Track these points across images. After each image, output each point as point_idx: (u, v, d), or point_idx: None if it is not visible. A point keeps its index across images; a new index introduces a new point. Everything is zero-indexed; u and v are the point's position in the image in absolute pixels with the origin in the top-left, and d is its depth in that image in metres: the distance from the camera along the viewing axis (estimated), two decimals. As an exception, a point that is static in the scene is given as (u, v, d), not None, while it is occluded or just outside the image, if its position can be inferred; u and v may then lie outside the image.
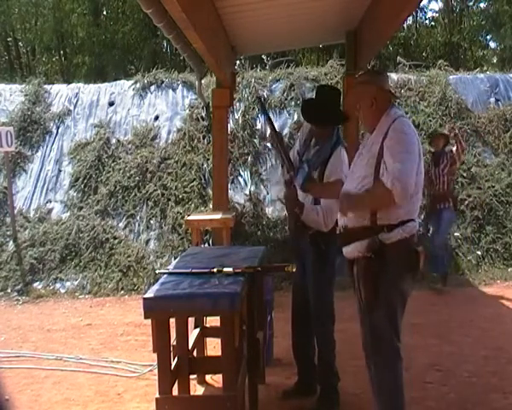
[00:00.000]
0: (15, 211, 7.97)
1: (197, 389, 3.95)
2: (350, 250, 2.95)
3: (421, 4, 18.18)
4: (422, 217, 6.78)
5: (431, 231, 6.79)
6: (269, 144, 8.29)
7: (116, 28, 17.83)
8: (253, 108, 8.75)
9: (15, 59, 20.15)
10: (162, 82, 9.32)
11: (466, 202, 7.98)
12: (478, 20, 18.83)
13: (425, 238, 6.54)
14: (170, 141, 8.64)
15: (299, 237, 3.59)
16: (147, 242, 7.77)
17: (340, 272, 3.49)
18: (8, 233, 7.86)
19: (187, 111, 8.90)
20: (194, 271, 3.20)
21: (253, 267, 3.27)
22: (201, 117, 8.74)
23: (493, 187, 8.11)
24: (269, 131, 7.60)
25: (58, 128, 8.95)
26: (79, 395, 4.07)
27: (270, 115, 4.55)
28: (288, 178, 3.49)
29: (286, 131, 8.41)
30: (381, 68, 12.91)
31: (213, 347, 4.24)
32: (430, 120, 8.64)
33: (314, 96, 3.76)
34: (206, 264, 3.34)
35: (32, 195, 8.35)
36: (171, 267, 3.53)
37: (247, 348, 3.29)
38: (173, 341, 3.28)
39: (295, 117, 8.54)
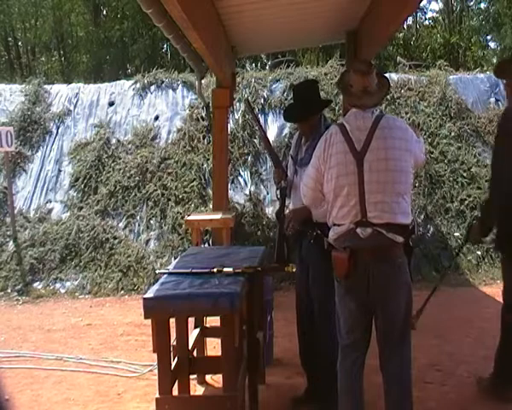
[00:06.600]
0: (15, 211, 7.97)
1: (197, 389, 3.95)
2: None
3: (421, 4, 18.16)
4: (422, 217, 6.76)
5: (431, 231, 6.78)
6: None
7: (112, 25, 17.80)
8: (253, 107, 8.75)
9: (15, 59, 20.14)
10: (162, 82, 9.31)
11: (466, 202, 7.97)
12: (478, 20, 18.83)
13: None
14: (170, 141, 8.64)
15: (302, 238, 3.53)
16: (147, 242, 7.76)
17: None
18: (8, 233, 7.85)
19: (187, 111, 8.89)
20: (194, 271, 3.20)
21: (253, 267, 3.27)
22: (201, 117, 8.73)
23: (493, 187, 8.09)
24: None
25: (58, 128, 8.94)
26: (79, 395, 4.07)
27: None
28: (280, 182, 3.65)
29: (286, 131, 8.41)
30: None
31: (213, 347, 4.25)
32: (430, 120, 8.63)
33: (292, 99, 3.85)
34: (206, 264, 3.34)
35: (32, 195, 8.35)
36: (171, 267, 3.53)
37: (247, 348, 3.29)
38: (173, 341, 3.28)
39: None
